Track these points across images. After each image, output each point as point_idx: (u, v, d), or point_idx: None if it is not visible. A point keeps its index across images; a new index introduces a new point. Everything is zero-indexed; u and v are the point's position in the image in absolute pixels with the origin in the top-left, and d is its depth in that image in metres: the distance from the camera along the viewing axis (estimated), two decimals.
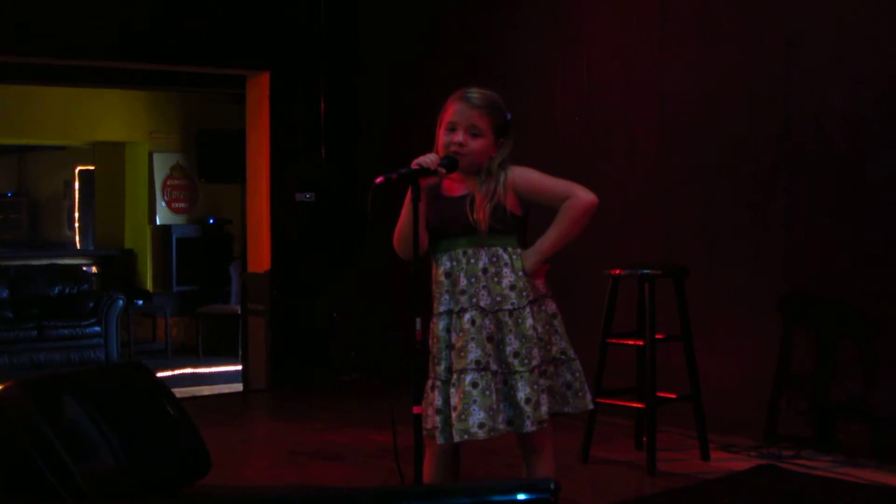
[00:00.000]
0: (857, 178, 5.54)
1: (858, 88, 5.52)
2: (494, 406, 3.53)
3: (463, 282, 3.62)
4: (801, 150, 5.75)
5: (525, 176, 3.69)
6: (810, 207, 5.72)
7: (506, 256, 3.64)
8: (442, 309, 3.64)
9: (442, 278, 3.65)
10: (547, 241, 3.67)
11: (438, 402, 3.60)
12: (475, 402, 3.51)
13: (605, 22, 6.74)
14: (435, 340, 3.64)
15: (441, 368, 3.62)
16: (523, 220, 3.71)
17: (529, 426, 3.56)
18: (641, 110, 6.53)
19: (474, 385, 3.52)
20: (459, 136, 3.61)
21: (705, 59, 6.19)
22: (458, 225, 3.63)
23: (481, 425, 3.51)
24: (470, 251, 3.64)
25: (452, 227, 3.64)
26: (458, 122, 3.63)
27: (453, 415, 3.54)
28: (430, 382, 3.65)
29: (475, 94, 3.66)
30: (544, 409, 3.59)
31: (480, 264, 3.62)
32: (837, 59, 5.59)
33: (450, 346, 3.61)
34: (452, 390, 3.56)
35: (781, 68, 5.79)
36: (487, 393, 3.53)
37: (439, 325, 3.64)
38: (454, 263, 3.65)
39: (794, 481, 5.10)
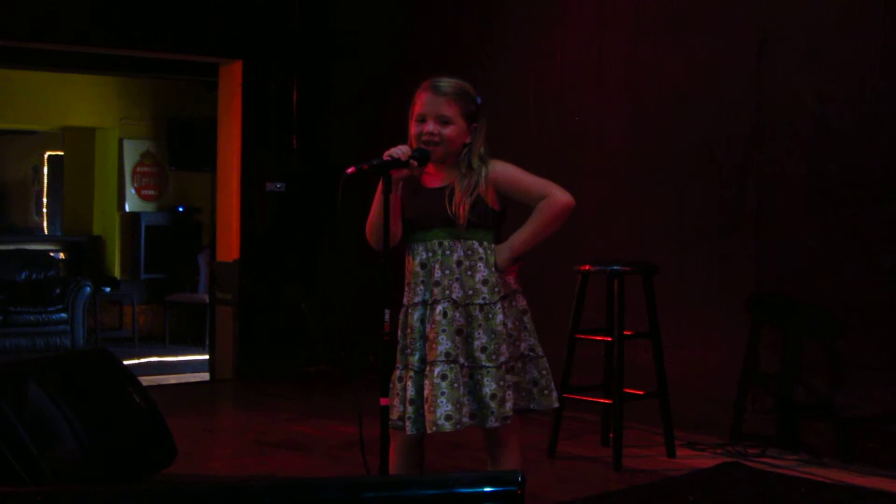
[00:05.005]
0: (827, 178, 5.56)
1: (830, 88, 5.54)
2: (461, 399, 3.53)
3: (437, 273, 3.61)
4: (772, 149, 5.77)
5: (505, 171, 3.68)
6: (780, 207, 5.74)
7: (481, 251, 3.64)
8: (417, 300, 3.63)
9: (417, 269, 3.64)
10: (519, 239, 3.68)
11: (411, 392, 3.59)
12: (443, 393, 3.51)
13: (578, 20, 6.74)
14: (409, 331, 3.63)
15: (415, 359, 3.61)
16: (500, 216, 3.70)
17: (493, 422, 3.56)
18: (613, 108, 6.53)
19: (443, 377, 3.52)
20: (430, 127, 3.60)
21: (678, 57, 6.20)
22: (436, 217, 3.62)
23: (448, 417, 3.51)
24: (446, 243, 3.63)
25: (430, 218, 3.63)
26: (427, 112, 3.62)
27: (425, 406, 3.54)
28: (396, 373, 3.65)
29: (442, 82, 3.65)
30: (509, 405, 3.59)
31: (455, 257, 3.62)
32: (810, 58, 5.61)
33: (424, 337, 3.61)
34: (426, 381, 3.56)
35: (754, 67, 5.81)
36: (455, 385, 3.53)
37: (414, 316, 3.63)
38: (430, 254, 3.63)
39: (758, 479, 5.12)
